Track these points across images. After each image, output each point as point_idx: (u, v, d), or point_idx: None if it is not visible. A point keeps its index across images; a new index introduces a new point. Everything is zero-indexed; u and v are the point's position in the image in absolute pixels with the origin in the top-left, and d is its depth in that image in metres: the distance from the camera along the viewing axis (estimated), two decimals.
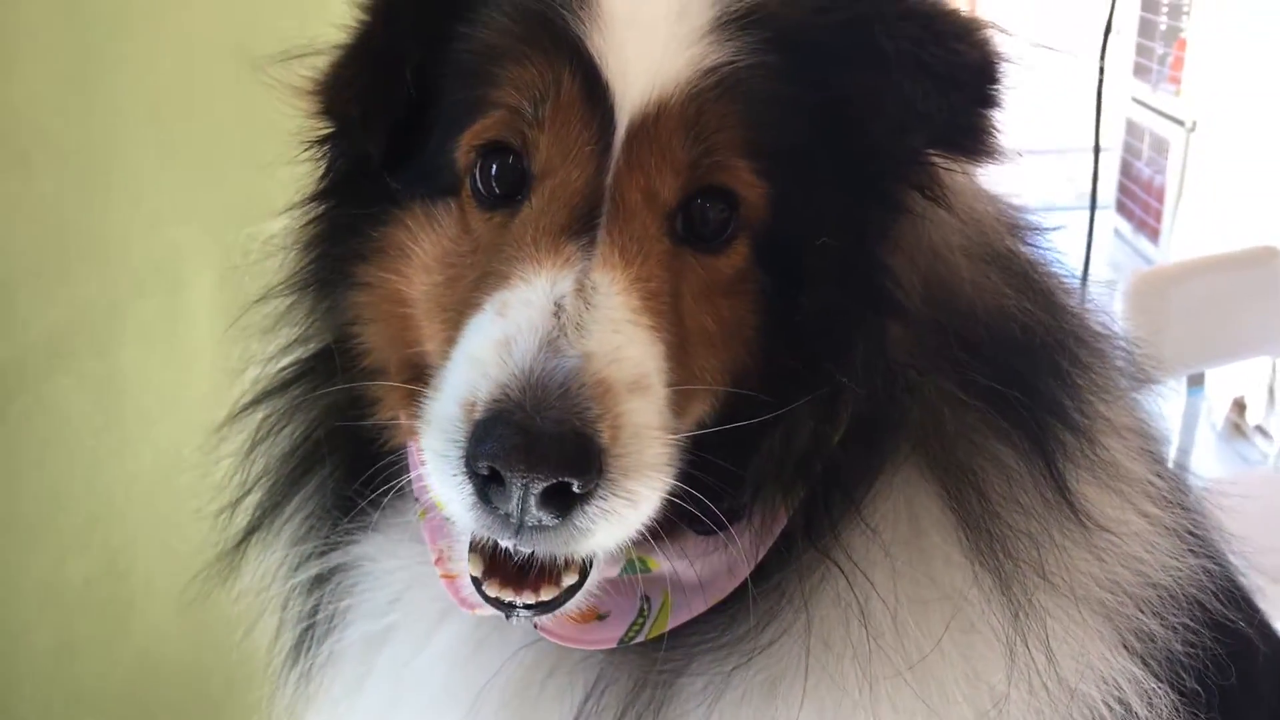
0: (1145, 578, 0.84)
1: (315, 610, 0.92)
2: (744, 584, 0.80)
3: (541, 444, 0.64)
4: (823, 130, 0.76)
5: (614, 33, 0.75)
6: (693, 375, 0.74)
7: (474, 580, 0.75)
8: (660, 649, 0.81)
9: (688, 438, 0.73)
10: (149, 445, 1.41)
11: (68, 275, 1.25)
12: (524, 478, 0.64)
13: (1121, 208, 5.32)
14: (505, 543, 0.70)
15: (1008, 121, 0.80)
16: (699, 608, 0.80)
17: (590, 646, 0.81)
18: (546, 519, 0.66)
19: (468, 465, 0.66)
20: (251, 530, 0.96)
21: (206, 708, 1.55)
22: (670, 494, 0.72)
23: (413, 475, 0.90)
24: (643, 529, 0.72)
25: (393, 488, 0.89)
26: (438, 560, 0.86)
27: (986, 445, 0.81)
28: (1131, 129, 5.23)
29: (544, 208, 0.73)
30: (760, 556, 0.80)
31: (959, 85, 0.77)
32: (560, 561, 0.73)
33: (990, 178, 0.92)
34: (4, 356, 1.16)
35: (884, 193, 0.79)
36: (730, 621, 0.79)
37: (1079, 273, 2.91)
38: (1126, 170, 5.30)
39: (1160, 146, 4.93)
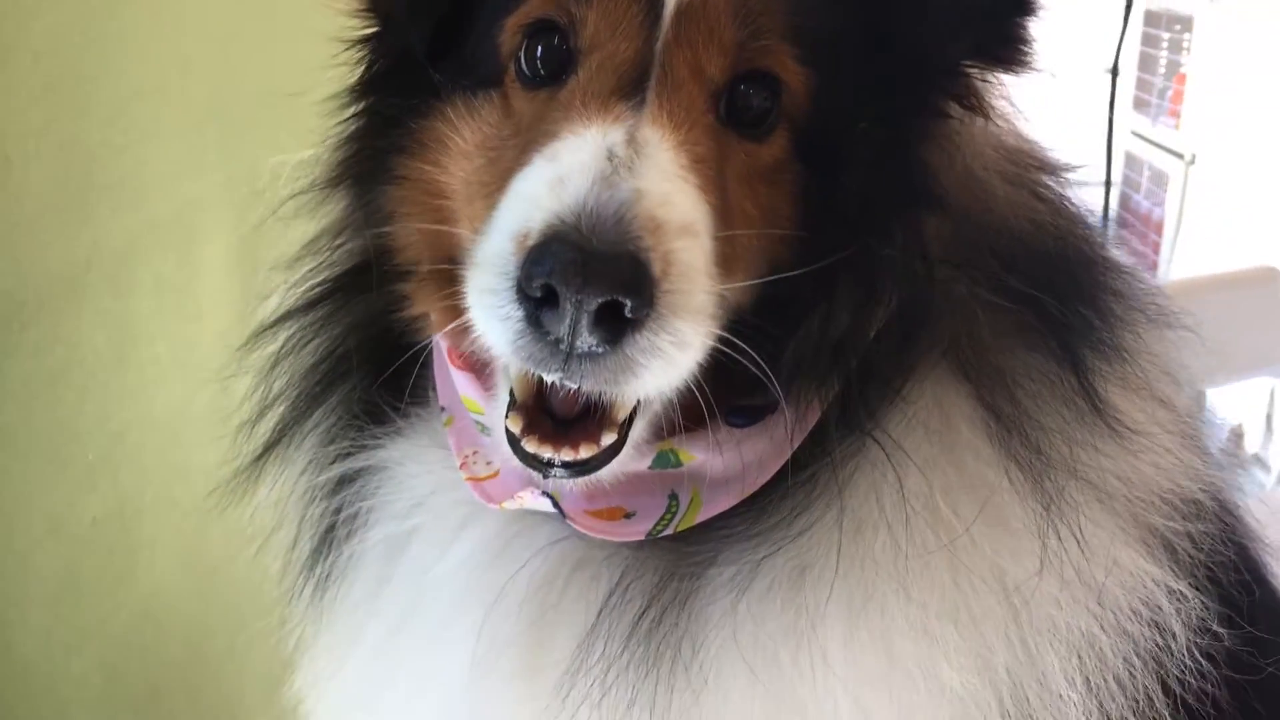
0: (1172, 483, 0.85)
1: (338, 511, 0.93)
2: (774, 477, 0.81)
3: (598, 260, 0.65)
4: (867, 25, 0.79)
5: None
6: (735, 246, 0.75)
7: (511, 438, 0.76)
8: (689, 543, 0.81)
9: (729, 298, 0.74)
10: (161, 392, 1.41)
11: (89, 216, 1.26)
12: (579, 294, 0.65)
13: (1120, 240, 5.38)
14: (552, 375, 0.70)
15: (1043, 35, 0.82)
16: (731, 500, 0.81)
17: (617, 539, 0.82)
18: (596, 344, 0.66)
19: (520, 289, 0.67)
20: (272, 444, 0.97)
21: (206, 666, 1.54)
22: (710, 365, 0.73)
23: (439, 384, 0.91)
24: (686, 388, 0.73)
25: (417, 390, 0.91)
26: (462, 464, 0.87)
27: (1018, 349, 0.83)
28: (1130, 162, 5.30)
29: (592, 76, 0.75)
30: (794, 447, 0.81)
31: None
32: (599, 408, 0.74)
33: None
34: (24, 286, 1.16)
35: (925, 95, 0.81)
36: (761, 513, 0.81)
37: None
38: (1125, 203, 5.36)
39: (1159, 179, 5.00)
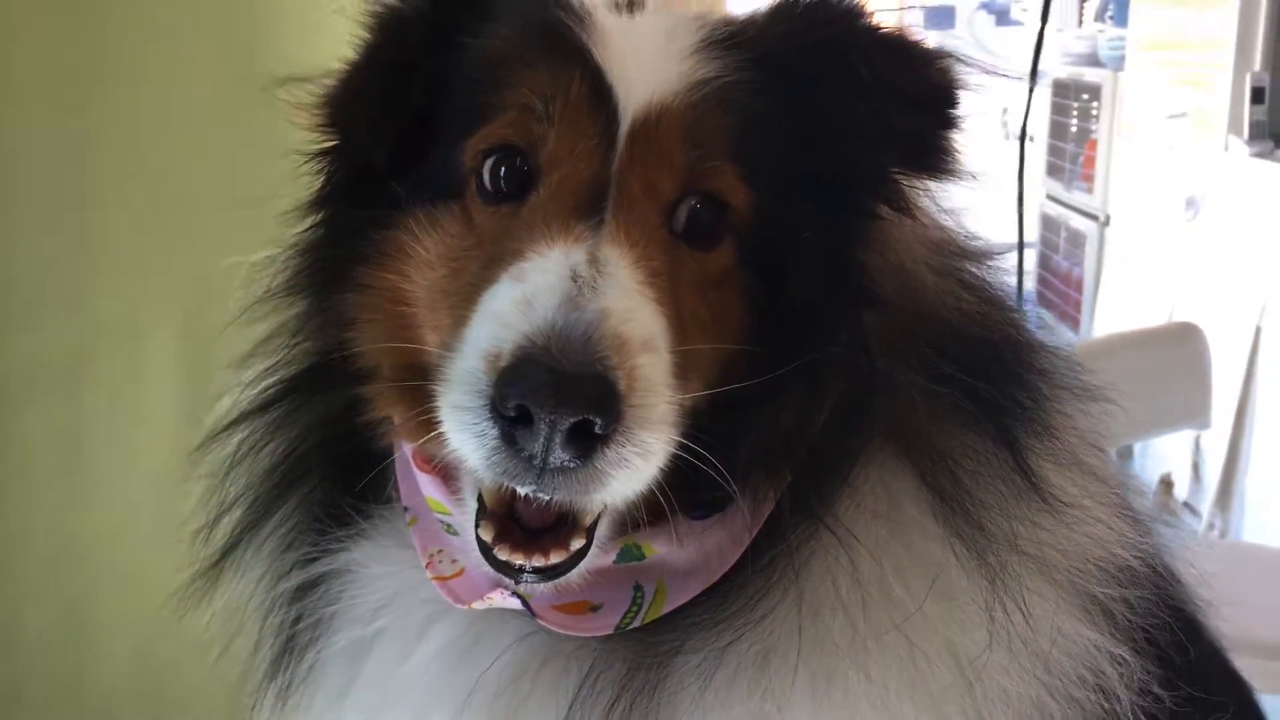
0: (1106, 552, 0.89)
1: (299, 619, 0.92)
2: (735, 566, 0.83)
3: (570, 382, 0.68)
4: (802, 143, 0.84)
5: (614, 46, 0.83)
6: (690, 356, 0.78)
7: (483, 546, 0.78)
8: (655, 633, 0.83)
9: (687, 406, 0.77)
10: (111, 494, 1.40)
11: (39, 319, 1.26)
12: (552, 414, 0.68)
13: (1042, 299, 5.54)
14: (526, 488, 0.73)
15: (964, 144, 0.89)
16: (694, 590, 0.83)
17: (585, 634, 0.83)
18: (569, 460, 0.69)
19: (493, 409, 0.69)
20: (229, 550, 0.96)
21: None
22: (669, 467, 0.75)
23: (402, 484, 0.92)
24: (647, 491, 0.75)
25: (379, 491, 0.91)
26: (428, 564, 0.87)
27: (955, 430, 0.87)
28: (1048, 223, 5.49)
29: (553, 194, 0.79)
30: (752, 536, 0.83)
31: (924, 106, 0.86)
32: (568, 516, 0.76)
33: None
34: None
35: (857, 202, 0.86)
36: (723, 600, 0.82)
37: None
38: (1045, 263, 5.54)
39: (1076, 240, 5.18)
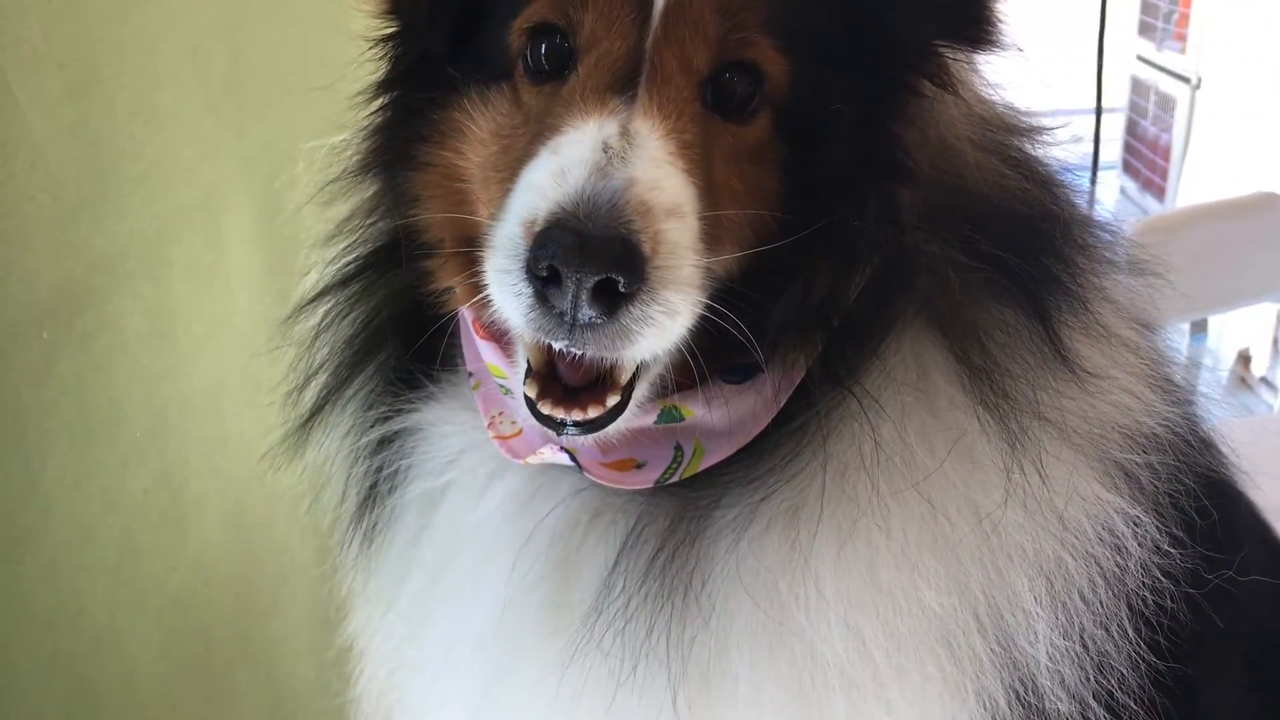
0: (1131, 420, 0.95)
1: (379, 470, 1.05)
2: (768, 428, 0.92)
3: (593, 244, 0.76)
4: (841, 13, 0.88)
5: None
6: (721, 223, 0.85)
7: (528, 401, 0.87)
8: (694, 489, 0.93)
9: (718, 268, 0.84)
10: (198, 369, 1.53)
11: (122, 204, 1.36)
12: (578, 272, 0.76)
13: (1127, 167, 5.44)
14: (559, 343, 0.82)
15: (1010, 15, 0.91)
16: (729, 449, 0.92)
17: (629, 487, 0.94)
18: (596, 316, 0.78)
19: (528, 270, 0.78)
20: (318, 408, 1.08)
21: (253, 618, 1.69)
22: (701, 331, 0.83)
23: (466, 350, 1.03)
24: (679, 350, 0.84)
25: (446, 358, 1.02)
26: (490, 424, 0.98)
27: (988, 304, 0.93)
28: (1137, 87, 5.35)
29: (589, 72, 0.85)
30: (782, 402, 0.92)
31: None
32: (604, 373, 0.85)
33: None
34: (70, 275, 1.27)
35: (897, 76, 0.90)
36: (757, 460, 0.92)
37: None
38: (1132, 129, 5.41)
39: (1166, 104, 5.05)
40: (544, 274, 0.77)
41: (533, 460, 0.95)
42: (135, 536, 1.41)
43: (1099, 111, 3.01)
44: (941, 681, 0.89)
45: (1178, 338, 2.91)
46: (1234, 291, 3.06)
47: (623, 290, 0.77)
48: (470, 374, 1.02)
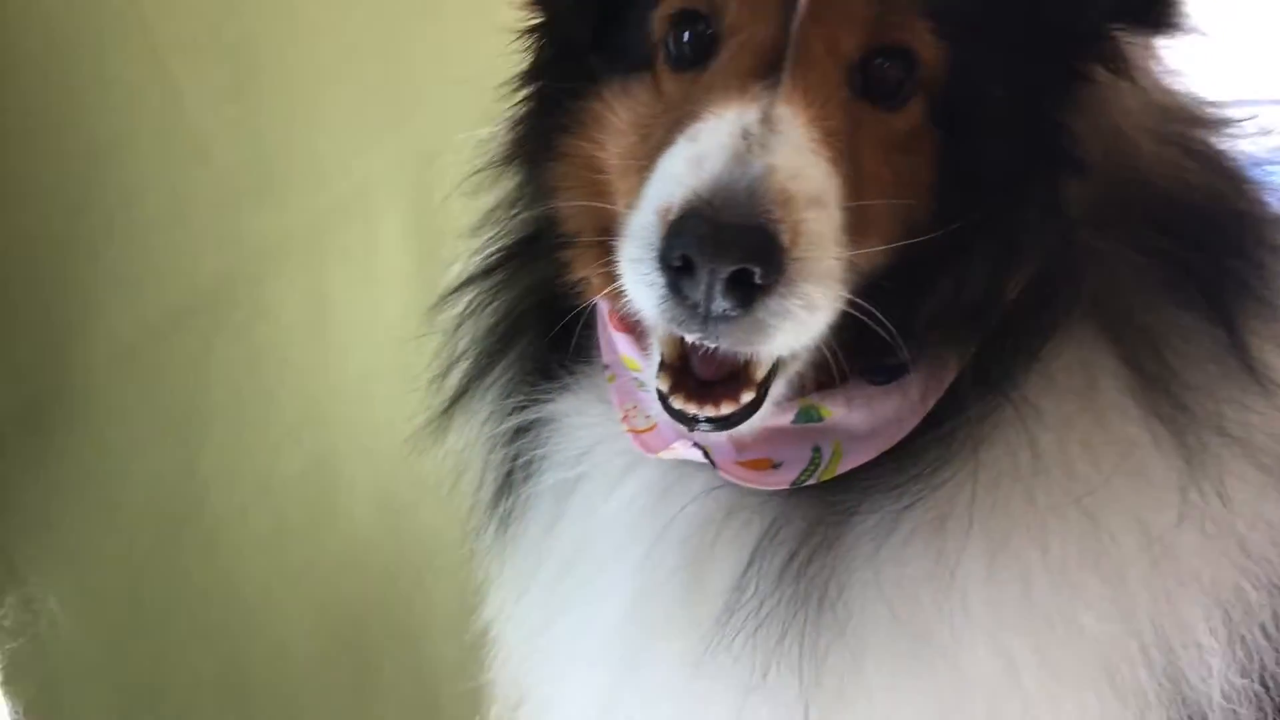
0: None
1: (515, 458, 1.06)
2: (915, 432, 0.87)
3: (728, 233, 0.73)
4: None
5: None
6: (867, 214, 0.81)
7: (660, 395, 0.85)
8: (833, 493, 0.90)
9: (862, 262, 0.80)
10: (351, 358, 1.59)
11: (280, 199, 1.43)
12: (711, 263, 0.73)
13: None
14: (692, 335, 0.79)
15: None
16: (871, 453, 0.88)
17: (764, 486, 0.91)
18: (730, 308, 0.74)
19: (662, 259, 0.75)
20: (459, 397, 1.10)
21: (400, 598, 1.74)
22: (844, 327, 0.80)
23: (602, 343, 1.03)
24: (819, 347, 0.81)
25: (582, 350, 1.03)
26: (624, 418, 0.97)
27: (1166, 306, 0.86)
28: None
29: (732, 58, 0.82)
30: (930, 406, 0.87)
31: None
32: (739, 368, 0.83)
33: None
34: (229, 266, 1.34)
35: (1066, 61, 0.84)
36: (900, 466, 0.87)
37: None
38: None
39: None
40: (677, 264, 0.75)
41: (665, 455, 0.94)
42: (288, 518, 1.48)
43: None
44: (1100, 714, 0.84)
45: None
46: None
47: (759, 282, 0.74)
48: (606, 366, 1.02)
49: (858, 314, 0.79)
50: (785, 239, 0.74)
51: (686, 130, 0.80)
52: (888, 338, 0.80)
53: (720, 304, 0.75)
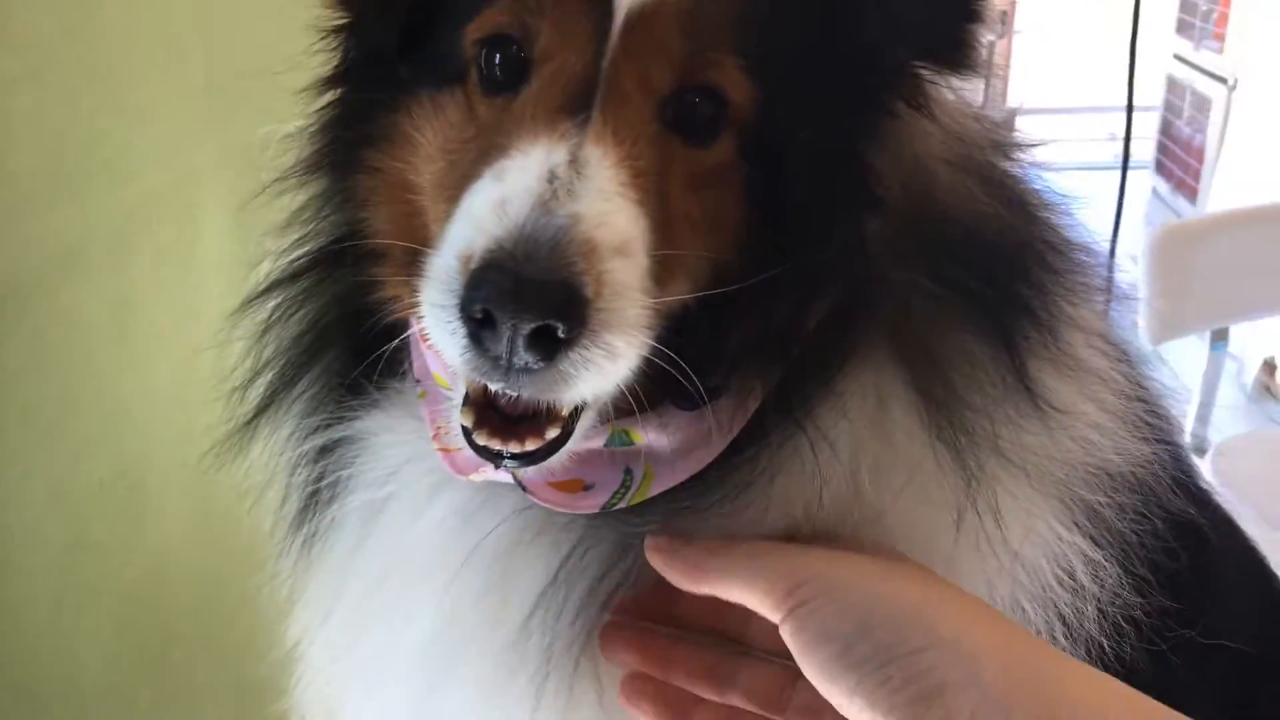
0: (1096, 458, 0.93)
1: (320, 478, 1.04)
2: (721, 455, 0.89)
3: (531, 289, 0.72)
4: (813, 33, 0.84)
5: None
6: (674, 258, 0.81)
7: (465, 430, 0.84)
8: (641, 514, 0.91)
9: (668, 307, 0.81)
10: (163, 360, 1.52)
11: (83, 192, 1.35)
12: (513, 319, 0.72)
13: (1160, 167, 5.37)
14: (495, 385, 0.79)
15: (985, 38, 0.87)
16: (679, 477, 0.90)
17: (575, 510, 0.92)
18: (532, 362, 0.74)
19: (463, 310, 0.75)
20: (264, 407, 1.07)
21: (219, 612, 1.68)
22: (651, 361, 0.81)
23: (413, 356, 1.01)
24: (622, 388, 0.81)
25: (392, 365, 1.01)
26: (435, 435, 0.96)
27: (952, 333, 0.90)
28: (1172, 87, 5.27)
29: (542, 89, 0.81)
30: (735, 432, 0.89)
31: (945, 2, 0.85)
32: (544, 407, 0.82)
33: (1023, 127, 0.99)
34: (22, 266, 1.27)
35: (870, 98, 0.86)
36: (706, 489, 0.89)
37: (1109, 232, 3.00)
38: (1166, 129, 5.34)
39: (1201, 105, 4.97)
40: (479, 316, 0.74)
41: (475, 478, 0.93)
42: (87, 531, 1.40)
43: (1130, 110, 2.97)
44: None
45: (1197, 347, 2.89)
46: (1256, 301, 3.02)
47: (561, 336, 0.74)
48: (417, 381, 1.00)
49: (659, 360, 0.80)
50: (589, 291, 0.74)
51: (493, 165, 0.79)
52: (687, 382, 0.81)
53: (522, 357, 0.74)
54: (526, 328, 0.73)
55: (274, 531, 1.10)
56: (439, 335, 0.78)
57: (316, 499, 1.05)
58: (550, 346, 0.74)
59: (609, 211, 0.76)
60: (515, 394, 0.80)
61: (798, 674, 0.81)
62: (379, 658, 1.01)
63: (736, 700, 0.87)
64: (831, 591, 0.79)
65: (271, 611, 1.69)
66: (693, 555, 0.86)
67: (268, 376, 1.08)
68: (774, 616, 0.81)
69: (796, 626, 0.79)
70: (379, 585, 1.01)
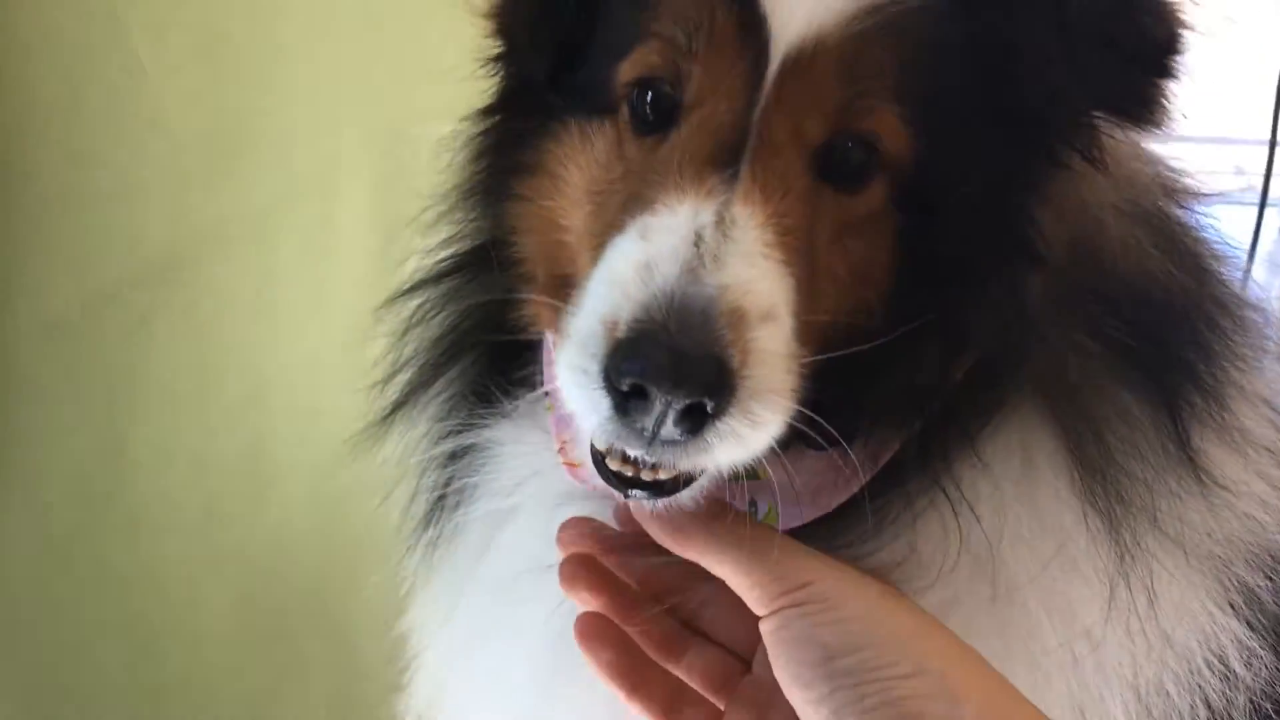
0: (1260, 539, 0.88)
1: (448, 483, 1.05)
2: (848, 501, 0.87)
3: (687, 365, 0.69)
4: (982, 79, 0.79)
5: None
6: (821, 308, 0.78)
7: (595, 454, 0.82)
8: None
9: (812, 365, 0.78)
10: (298, 340, 1.57)
11: (233, 171, 1.40)
12: (669, 395, 0.70)
13: None
14: (634, 452, 0.76)
15: (1180, 96, 0.82)
16: (803, 518, 0.88)
17: None
18: (679, 435, 0.72)
19: (608, 380, 0.72)
20: (400, 405, 1.09)
21: (329, 594, 1.73)
22: (792, 418, 0.77)
23: (545, 371, 1.02)
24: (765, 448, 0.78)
25: (523, 375, 1.01)
26: (561, 449, 0.96)
27: (1111, 393, 0.86)
28: None
29: (691, 138, 0.78)
30: (866, 480, 0.86)
31: (1140, 59, 0.79)
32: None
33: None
34: (176, 239, 1.32)
35: (1040, 149, 0.82)
36: (832, 534, 0.87)
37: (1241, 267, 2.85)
38: None
39: None
40: (627, 389, 0.71)
41: (600, 490, 0.93)
42: (219, 503, 1.46)
43: (1274, 145, 2.83)
44: None
45: None
46: None
47: (710, 411, 0.72)
48: (546, 394, 1.00)
49: (802, 425, 0.77)
50: (736, 361, 0.71)
51: (638, 219, 0.77)
52: (819, 430, 0.77)
53: (671, 430, 0.72)
54: (680, 404, 0.71)
55: (401, 529, 1.12)
56: (577, 401, 0.75)
57: (443, 503, 1.06)
58: (699, 420, 0.72)
59: (755, 278, 0.74)
60: (653, 460, 0.77)
61: (748, 668, 0.80)
62: (492, 670, 1.02)
63: (683, 675, 0.86)
64: (826, 601, 0.78)
65: (383, 602, 1.73)
66: (684, 520, 0.84)
67: (406, 375, 1.09)
68: (758, 608, 0.80)
69: (780, 625, 0.78)
70: (498, 597, 1.02)
